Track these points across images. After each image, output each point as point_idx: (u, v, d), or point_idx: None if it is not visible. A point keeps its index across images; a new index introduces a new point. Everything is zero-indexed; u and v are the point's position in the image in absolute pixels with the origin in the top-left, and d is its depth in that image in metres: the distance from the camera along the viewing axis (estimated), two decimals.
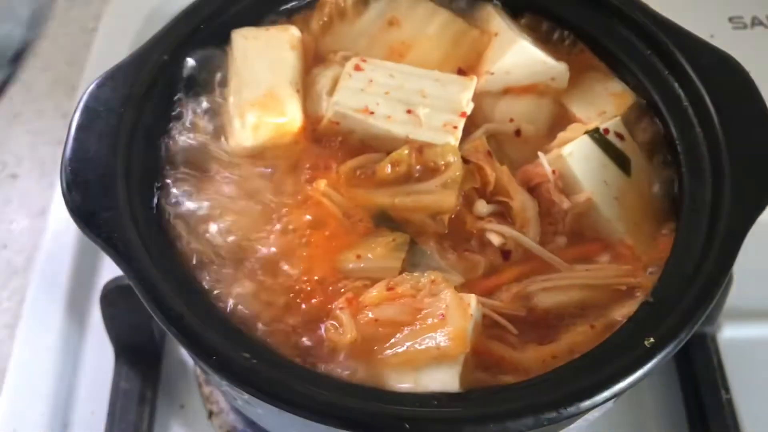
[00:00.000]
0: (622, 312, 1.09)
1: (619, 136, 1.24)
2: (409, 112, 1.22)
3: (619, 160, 1.22)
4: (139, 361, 1.59)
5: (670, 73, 1.26)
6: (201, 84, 1.26)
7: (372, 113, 1.22)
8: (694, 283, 1.05)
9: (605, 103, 1.31)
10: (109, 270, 1.65)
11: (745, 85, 1.19)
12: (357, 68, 1.26)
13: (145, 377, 1.58)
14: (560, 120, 1.31)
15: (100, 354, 1.59)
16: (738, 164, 1.13)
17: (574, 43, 1.36)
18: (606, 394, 0.95)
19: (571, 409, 0.94)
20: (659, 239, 1.17)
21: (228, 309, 1.07)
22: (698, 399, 1.47)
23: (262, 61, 1.27)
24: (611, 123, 1.23)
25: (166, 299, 1.00)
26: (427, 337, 1.02)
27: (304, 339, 1.05)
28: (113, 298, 1.50)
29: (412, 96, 1.24)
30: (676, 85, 1.25)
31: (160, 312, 1.00)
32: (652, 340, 0.99)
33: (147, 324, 1.58)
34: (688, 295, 1.04)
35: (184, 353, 1.60)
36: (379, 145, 1.23)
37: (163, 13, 2.06)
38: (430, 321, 1.03)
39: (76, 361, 1.60)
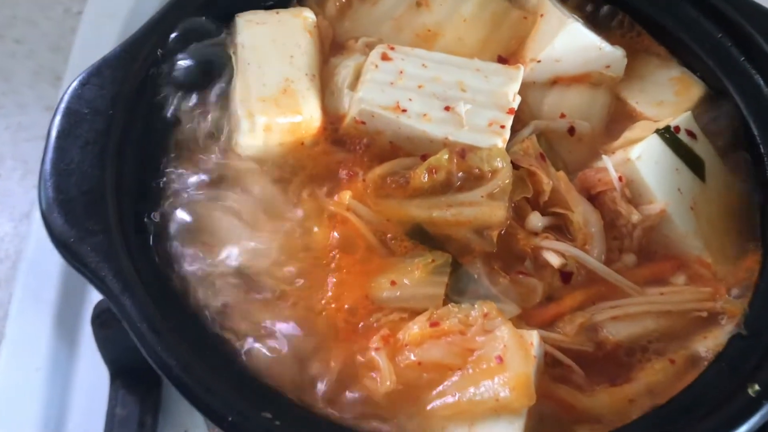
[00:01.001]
0: (707, 344, 0.93)
1: (691, 134, 1.06)
2: (447, 109, 1.05)
3: (693, 163, 1.05)
4: (137, 384, 1.42)
5: (747, 59, 1.09)
6: (202, 79, 1.08)
7: (404, 111, 1.04)
8: None
9: (669, 95, 1.14)
10: None
11: None
12: (384, 57, 1.08)
13: (144, 402, 1.42)
14: (618, 115, 1.15)
15: (93, 376, 1.43)
16: None
17: (629, 26, 1.19)
18: None
19: None
20: (743, 256, 1.00)
21: (242, 355, 0.90)
22: None
23: (272, 49, 1.09)
24: (681, 119, 1.06)
25: (167, 346, 0.83)
26: (483, 385, 0.85)
27: (335, 389, 0.88)
28: (106, 318, 1.33)
29: (450, 90, 1.06)
30: (754, 72, 1.08)
31: (161, 364, 0.83)
32: (757, 387, 0.82)
33: None
34: None
35: None
36: (412, 148, 1.05)
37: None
38: (485, 365, 0.87)
39: (66, 385, 1.43)
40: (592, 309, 0.97)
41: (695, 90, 1.13)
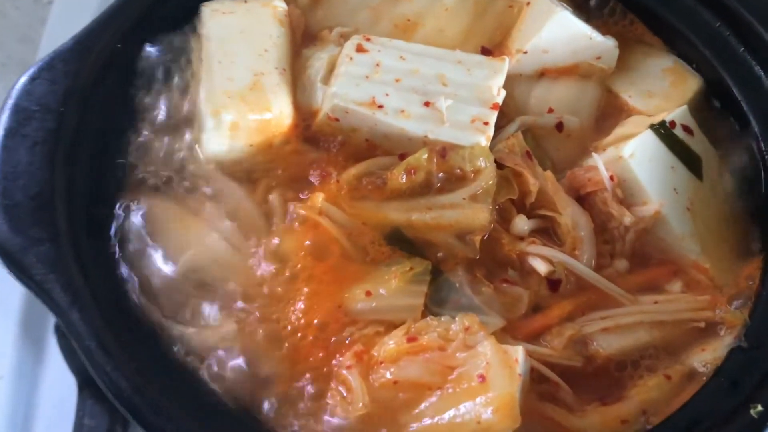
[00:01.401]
0: (705, 358, 0.87)
1: (687, 129, 1.00)
2: (427, 104, 0.98)
3: (689, 160, 0.98)
4: None
5: (747, 50, 1.02)
6: (163, 73, 1.00)
7: (381, 107, 0.97)
8: None
9: (664, 88, 1.08)
10: None
11: None
12: (359, 49, 1.01)
13: (114, 412, 1.36)
14: (609, 109, 1.08)
15: (60, 386, 1.36)
16: None
17: (621, 14, 1.12)
18: None
19: None
20: (744, 262, 0.94)
21: (200, 376, 0.83)
22: None
23: (239, 41, 1.02)
24: (677, 113, 1.00)
25: (118, 367, 0.76)
26: (464, 406, 0.79)
27: (302, 411, 0.81)
28: None
29: (430, 84, 0.99)
30: (755, 65, 1.02)
31: (109, 383, 0.76)
32: (760, 408, 0.76)
33: None
34: None
35: None
36: (390, 147, 0.98)
37: None
38: (466, 384, 0.80)
39: (32, 395, 1.36)
40: (582, 320, 0.91)
41: (691, 82, 1.07)
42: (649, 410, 0.84)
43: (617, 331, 0.90)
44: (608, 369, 0.88)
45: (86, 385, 1.37)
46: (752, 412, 0.77)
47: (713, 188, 0.99)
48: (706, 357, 0.87)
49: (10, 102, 0.92)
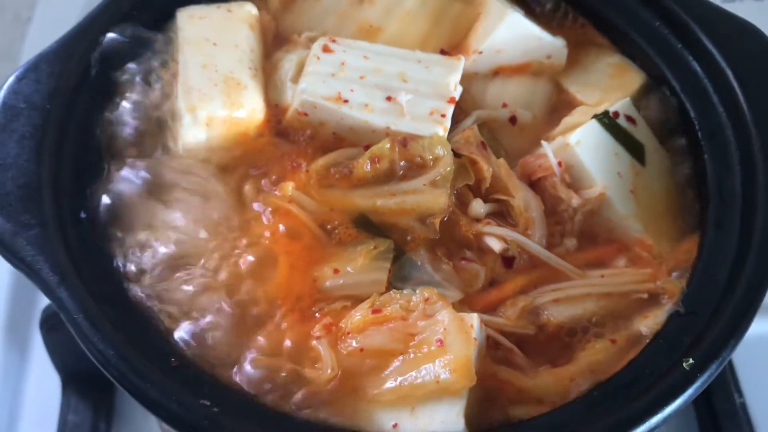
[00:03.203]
0: (647, 324, 0.94)
1: (630, 119, 1.08)
2: (389, 99, 1.05)
3: (632, 147, 1.06)
4: (90, 390, 1.41)
5: (684, 46, 1.11)
6: (142, 73, 1.07)
7: (346, 101, 1.04)
8: (733, 290, 0.89)
9: (610, 83, 1.16)
10: None
11: None
12: (326, 50, 1.08)
13: (97, 408, 1.41)
14: (559, 104, 1.16)
15: (45, 383, 1.42)
16: None
17: (571, 17, 1.20)
18: (642, 428, 0.79)
19: None
20: (683, 238, 1.02)
21: (181, 345, 0.89)
22: (709, 404, 1.32)
23: (214, 44, 1.09)
24: (620, 105, 1.08)
25: (105, 338, 0.82)
26: (424, 368, 0.85)
27: (275, 377, 0.87)
28: (55, 323, 1.31)
29: (391, 81, 1.06)
30: (691, 59, 1.10)
31: (97, 353, 0.82)
32: (691, 361, 0.84)
33: None
34: (727, 304, 0.89)
35: None
36: (355, 139, 1.06)
37: None
38: (426, 349, 0.87)
39: (17, 392, 1.41)
40: (534, 293, 0.98)
41: (633, 77, 1.14)
42: (597, 370, 0.91)
43: (567, 302, 0.97)
44: (559, 335, 0.95)
45: (70, 382, 1.42)
46: (685, 365, 0.84)
47: (656, 173, 1.07)
48: (649, 323, 0.94)
49: None
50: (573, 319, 0.96)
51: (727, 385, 1.33)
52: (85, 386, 1.39)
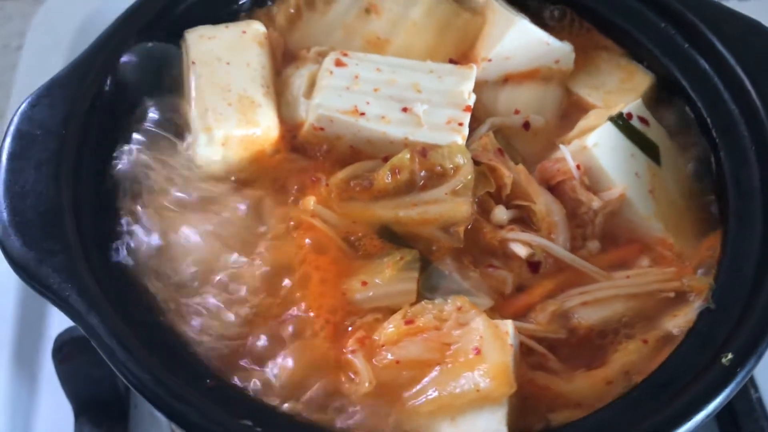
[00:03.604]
0: (677, 322, 0.94)
1: (643, 120, 1.09)
2: (405, 110, 1.05)
3: (647, 147, 1.07)
4: (103, 419, 1.39)
5: (692, 46, 1.12)
6: (155, 94, 1.06)
7: (362, 114, 1.04)
8: (761, 284, 0.90)
9: (619, 85, 1.16)
10: (61, 315, 1.45)
11: None
12: (338, 63, 1.08)
13: None
14: (570, 108, 1.17)
15: (56, 414, 1.39)
16: None
17: (576, 22, 1.21)
18: (688, 426, 0.79)
19: None
20: (704, 235, 1.03)
21: (214, 365, 0.88)
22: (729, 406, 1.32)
23: (224, 63, 1.09)
24: (632, 106, 1.08)
25: (140, 362, 0.81)
26: (463, 377, 0.85)
27: (313, 393, 0.87)
28: (68, 351, 1.30)
29: (405, 92, 1.06)
30: (700, 58, 1.11)
31: (132, 378, 0.81)
32: (730, 356, 0.84)
33: (110, 377, 1.38)
34: (757, 298, 0.89)
35: None
36: (373, 151, 1.05)
37: (99, 21, 1.85)
38: (462, 358, 0.86)
39: (28, 424, 1.39)
40: (562, 296, 0.98)
41: (643, 78, 1.15)
42: (631, 371, 0.91)
43: (595, 305, 0.97)
44: (590, 338, 0.95)
45: (83, 411, 1.40)
46: (723, 360, 0.84)
47: (672, 172, 1.07)
48: (678, 321, 0.94)
49: (12, 128, 0.98)
50: (603, 321, 0.96)
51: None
52: (98, 415, 1.37)
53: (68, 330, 1.33)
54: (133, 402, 1.41)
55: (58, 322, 1.43)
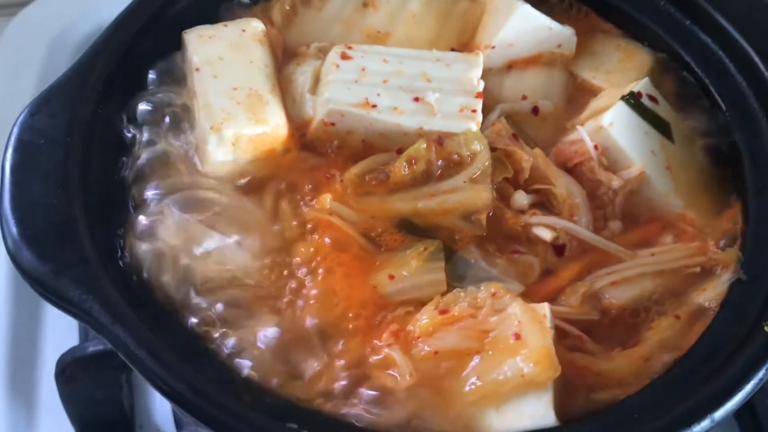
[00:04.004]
0: (707, 296, 0.94)
1: (652, 98, 1.08)
2: (416, 100, 1.03)
3: (660, 125, 1.07)
4: None
5: (693, 22, 1.12)
6: (159, 97, 1.03)
7: (374, 106, 1.02)
8: None
9: (621, 66, 1.16)
10: (55, 335, 1.40)
11: None
12: (344, 57, 1.06)
13: None
14: (576, 91, 1.16)
15: None
16: None
17: (576, 7, 1.21)
18: (739, 396, 0.78)
19: (704, 424, 0.77)
20: (722, 209, 1.03)
21: (247, 369, 0.85)
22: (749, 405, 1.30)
23: (227, 62, 1.06)
24: (641, 85, 1.08)
25: (174, 372, 0.77)
26: (506, 364, 0.83)
27: (353, 391, 0.84)
28: (72, 372, 1.24)
29: (415, 81, 1.05)
30: (702, 33, 1.12)
31: (167, 388, 0.77)
32: None
33: (115, 397, 1.34)
34: None
35: (161, 421, 1.36)
36: (385, 144, 1.03)
37: (72, 38, 1.81)
38: (503, 345, 0.85)
39: None
40: (590, 278, 0.97)
41: (643, 58, 1.15)
42: (667, 347, 0.90)
43: (624, 284, 0.96)
44: (623, 318, 0.94)
45: None
46: (766, 328, 0.84)
47: (685, 148, 1.07)
48: (709, 295, 0.93)
49: (13, 139, 0.94)
50: (634, 299, 0.95)
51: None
52: None
53: (71, 351, 1.28)
54: (138, 422, 1.37)
55: (52, 338, 1.39)
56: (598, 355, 0.90)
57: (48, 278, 0.83)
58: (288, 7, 1.17)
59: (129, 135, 1.00)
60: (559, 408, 0.84)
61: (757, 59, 1.05)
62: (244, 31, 1.09)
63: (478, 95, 1.05)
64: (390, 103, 1.02)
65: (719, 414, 0.78)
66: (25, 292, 1.45)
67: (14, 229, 0.86)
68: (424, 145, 0.99)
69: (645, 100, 1.08)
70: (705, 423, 0.77)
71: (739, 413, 1.27)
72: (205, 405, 0.76)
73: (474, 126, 1.02)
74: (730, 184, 1.04)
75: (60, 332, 1.45)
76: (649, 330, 0.93)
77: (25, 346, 1.39)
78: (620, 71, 1.15)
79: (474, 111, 1.03)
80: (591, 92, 1.14)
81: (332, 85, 1.04)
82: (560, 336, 0.91)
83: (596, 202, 1.03)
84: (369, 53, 1.07)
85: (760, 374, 0.80)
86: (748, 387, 0.79)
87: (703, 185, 1.05)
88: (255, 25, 1.11)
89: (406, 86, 1.04)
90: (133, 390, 1.37)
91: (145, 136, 1.00)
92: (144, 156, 0.99)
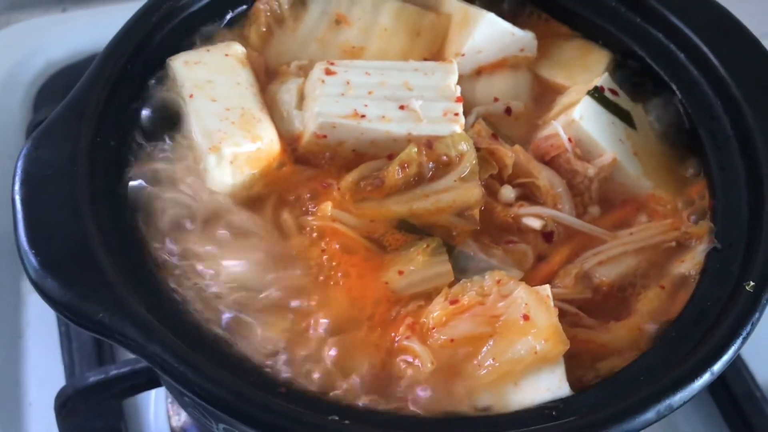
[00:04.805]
0: (686, 266, 1.03)
1: (613, 92, 1.17)
2: (402, 107, 1.09)
3: (622, 115, 1.16)
4: None
5: (644, 20, 1.21)
6: (155, 121, 1.07)
7: (363, 116, 1.08)
8: (758, 219, 0.99)
9: (580, 63, 1.25)
10: (37, 371, 1.41)
11: (725, 13, 1.16)
12: (328, 72, 1.11)
13: None
14: (541, 90, 1.24)
15: None
16: (748, 83, 1.08)
17: (537, 15, 1.29)
18: (732, 350, 0.87)
19: (706, 377, 0.85)
20: (690, 185, 1.11)
21: (281, 371, 0.88)
22: (726, 390, 1.41)
23: (216, 85, 1.10)
24: (602, 80, 1.17)
25: (215, 381, 0.81)
26: (519, 343, 0.89)
27: (381, 383, 0.89)
28: (73, 405, 1.25)
29: (398, 91, 1.11)
30: (652, 29, 1.21)
31: (211, 397, 0.80)
32: (752, 283, 0.92)
33: (115, 426, 1.35)
34: (758, 232, 0.98)
35: None
36: (376, 152, 1.09)
37: (26, 73, 1.82)
38: (514, 327, 0.91)
39: None
40: (579, 260, 1.04)
41: (600, 55, 1.24)
42: (657, 315, 0.98)
43: (611, 262, 1.03)
44: (613, 293, 1.02)
45: None
46: (747, 288, 0.92)
47: (648, 134, 1.16)
48: (687, 265, 1.02)
49: (19, 172, 0.95)
50: (620, 276, 1.03)
51: (736, 367, 1.42)
52: None
53: (71, 383, 1.29)
54: None
55: (34, 375, 1.40)
56: (597, 329, 0.97)
57: (74, 303, 0.85)
58: (263, 29, 1.22)
59: (132, 157, 1.03)
60: (571, 379, 0.91)
61: (705, 48, 1.14)
62: (227, 55, 1.14)
63: (458, 99, 1.11)
64: (378, 112, 1.08)
65: (717, 367, 0.85)
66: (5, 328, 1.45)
67: (33, 260, 0.88)
68: (415, 149, 1.05)
69: (607, 94, 1.16)
70: (706, 377, 0.85)
71: (728, 415, 1.38)
72: (254, 411, 0.80)
73: (458, 128, 1.08)
74: (694, 163, 1.13)
75: (42, 371, 1.45)
76: (638, 302, 1.01)
77: (10, 381, 1.39)
78: (580, 69, 1.23)
79: (456, 114, 1.10)
80: (555, 90, 1.22)
81: (321, 99, 1.09)
82: (560, 315, 0.98)
83: (574, 190, 1.10)
84: (351, 67, 1.13)
85: (747, 328, 0.89)
86: (739, 341, 0.88)
87: (669, 166, 1.14)
88: (236, 48, 1.15)
89: (391, 96, 1.10)
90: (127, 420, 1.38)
91: (150, 160, 1.03)
92: (148, 181, 1.02)
